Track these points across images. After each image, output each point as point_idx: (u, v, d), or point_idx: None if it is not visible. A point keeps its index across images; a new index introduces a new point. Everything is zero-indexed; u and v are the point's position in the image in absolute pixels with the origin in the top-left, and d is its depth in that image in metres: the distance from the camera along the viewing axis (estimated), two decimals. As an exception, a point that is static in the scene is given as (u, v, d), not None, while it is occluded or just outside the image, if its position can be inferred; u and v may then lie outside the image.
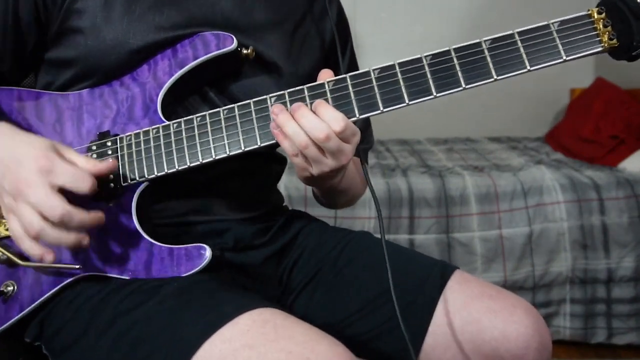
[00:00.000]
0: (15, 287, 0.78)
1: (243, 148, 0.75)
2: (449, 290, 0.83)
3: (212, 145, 0.75)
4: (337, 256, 0.91)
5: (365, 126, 1.00)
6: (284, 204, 1.02)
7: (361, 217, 2.05)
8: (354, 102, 0.73)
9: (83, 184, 0.67)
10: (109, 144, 0.78)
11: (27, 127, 0.81)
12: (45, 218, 0.66)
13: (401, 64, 0.72)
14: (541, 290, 2.06)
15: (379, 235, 0.96)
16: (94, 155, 0.78)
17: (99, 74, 0.80)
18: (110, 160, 0.74)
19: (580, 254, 2.05)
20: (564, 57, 0.69)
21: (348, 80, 0.73)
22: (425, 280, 0.84)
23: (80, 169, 0.69)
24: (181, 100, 0.82)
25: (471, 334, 0.79)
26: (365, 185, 1.00)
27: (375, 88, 0.72)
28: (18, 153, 0.68)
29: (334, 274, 0.89)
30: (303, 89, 0.74)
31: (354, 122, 0.73)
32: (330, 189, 0.89)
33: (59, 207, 0.66)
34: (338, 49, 0.87)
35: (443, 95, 0.71)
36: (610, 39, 0.68)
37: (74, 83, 0.82)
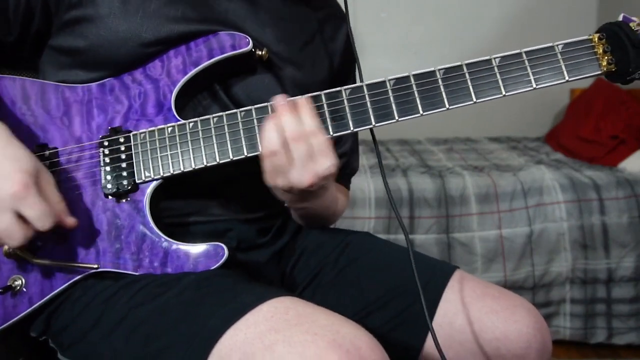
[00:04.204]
0: (24, 282, 0.77)
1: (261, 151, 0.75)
2: (450, 290, 0.83)
3: (229, 147, 0.76)
4: (339, 256, 0.91)
5: (351, 151, 1.01)
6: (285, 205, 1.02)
7: (361, 217, 2.05)
8: (370, 110, 0.75)
9: (42, 223, 0.70)
10: (121, 140, 0.78)
11: (32, 120, 0.80)
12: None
13: (416, 76, 0.75)
14: (541, 290, 2.06)
15: (381, 236, 0.97)
16: (106, 151, 0.78)
17: (108, 65, 0.80)
18: (75, 221, 0.74)
19: (580, 254, 2.05)
20: (567, 78, 0.74)
21: (365, 89, 0.75)
22: (427, 280, 0.84)
23: (48, 209, 0.70)
24: (191, 96, 0.83)
25: (473, 334, 0.79)
26: (343, 211, 1.02)
27: (391, 98, 0.75)
28: (2, 168, 0.69)
29: (336, 274, 0.89)
30: (321, 95, 0.76)
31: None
32: (301, 209, 0.89)
33: (18, 239, 0.69)
34: (356, 55, 0.88)
35: (455, 107, 0.75)
36: (609, 64, 0.73)
37: (82, 73, 0.82)
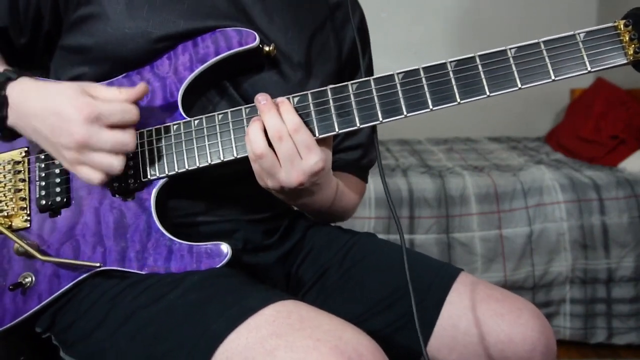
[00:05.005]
0: (34, 279, 0.78)
1: None
2: (454, 293, 0.82)
3: (234, 145, 0.75)
4: (344, 257, 0.91)
5: (368, 141, 0.99)
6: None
7: (361, 217, 2.05)
8: (377, 105, 0.72)
9: (131, 115, 0.71)
10: None
11: None
12: (119, 152, 0.71)
13: (425, 69, 0.72)
14: (541, 290, 2.06)
15: (381, 236, 0.97)
16: None
17: (117, 62, 0.80)
18: (142, 85, 0.74)
19: (580, 254, 2.05)
20: (589, 68, 0.69)
21: (372, 83, 0.73)
22: (432, 282, 0.84)
23: (121, 103, 0.71)
24: (198, 93, 0.82)
25: (477, 337, 0.79)
26: (354, 206, 1.00)
27: (399, 92, 0.72)
28: (56, 107, 0.69)
29: (341, 274, 0.89)
30: (326, 90, 0.74)
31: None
32: (299, 207, 0.88)
33: (130, 140, 0.71)
34: (360, 55, 0.86)
35: (467, 102, 0.71)
36: (636, 52, 0.68)
37: (91, 71, 0.81)
